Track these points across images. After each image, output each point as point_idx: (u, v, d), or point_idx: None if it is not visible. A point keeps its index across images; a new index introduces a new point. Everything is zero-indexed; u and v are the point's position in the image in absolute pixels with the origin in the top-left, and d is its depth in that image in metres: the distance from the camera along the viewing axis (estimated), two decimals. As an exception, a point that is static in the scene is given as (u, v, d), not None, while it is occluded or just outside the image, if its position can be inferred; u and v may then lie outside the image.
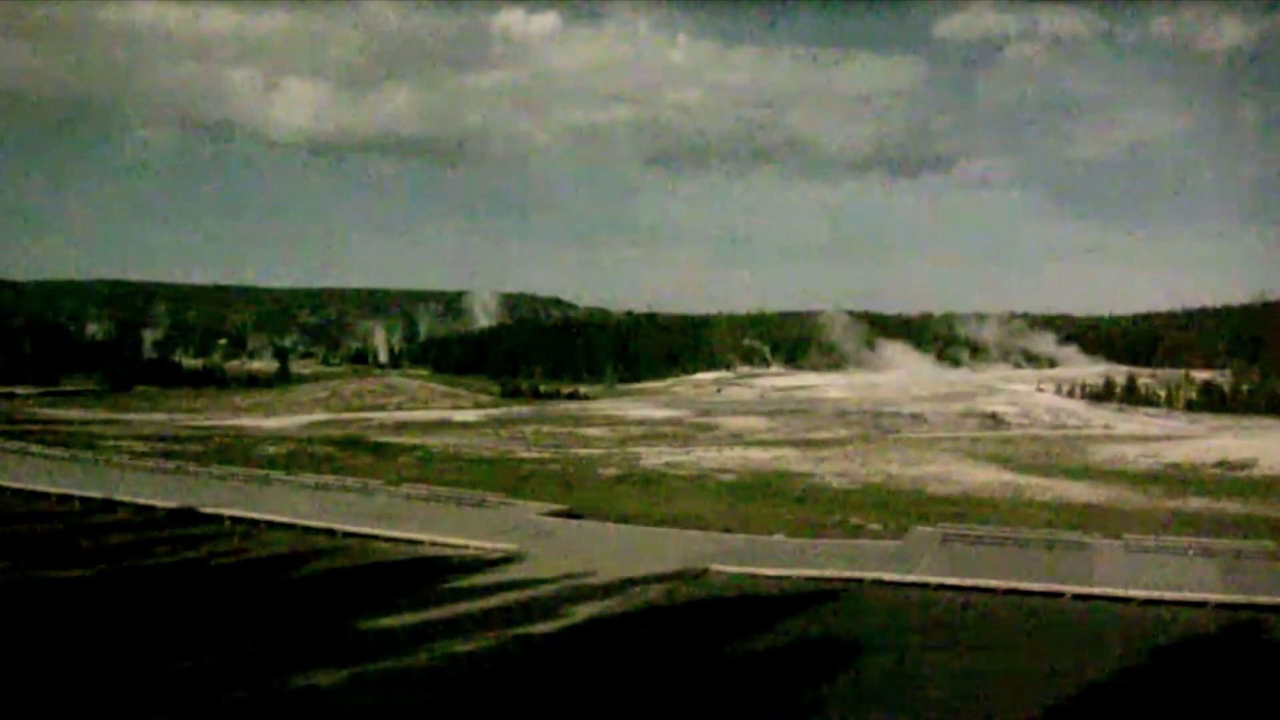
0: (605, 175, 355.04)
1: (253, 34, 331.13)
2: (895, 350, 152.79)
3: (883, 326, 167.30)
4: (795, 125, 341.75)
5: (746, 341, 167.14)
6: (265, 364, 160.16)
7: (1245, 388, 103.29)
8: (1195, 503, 39.57)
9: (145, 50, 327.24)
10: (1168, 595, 22.53)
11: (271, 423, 75.44)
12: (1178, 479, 46.96)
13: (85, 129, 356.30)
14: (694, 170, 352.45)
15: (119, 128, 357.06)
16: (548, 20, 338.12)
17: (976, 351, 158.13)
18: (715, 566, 25.10)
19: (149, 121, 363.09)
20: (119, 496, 32.36)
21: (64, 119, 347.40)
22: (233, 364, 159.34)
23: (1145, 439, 64.72)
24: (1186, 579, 23.79)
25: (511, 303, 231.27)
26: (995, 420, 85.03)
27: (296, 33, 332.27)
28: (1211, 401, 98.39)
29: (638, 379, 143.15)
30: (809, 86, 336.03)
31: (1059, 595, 22.89)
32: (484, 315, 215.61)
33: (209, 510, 30.66)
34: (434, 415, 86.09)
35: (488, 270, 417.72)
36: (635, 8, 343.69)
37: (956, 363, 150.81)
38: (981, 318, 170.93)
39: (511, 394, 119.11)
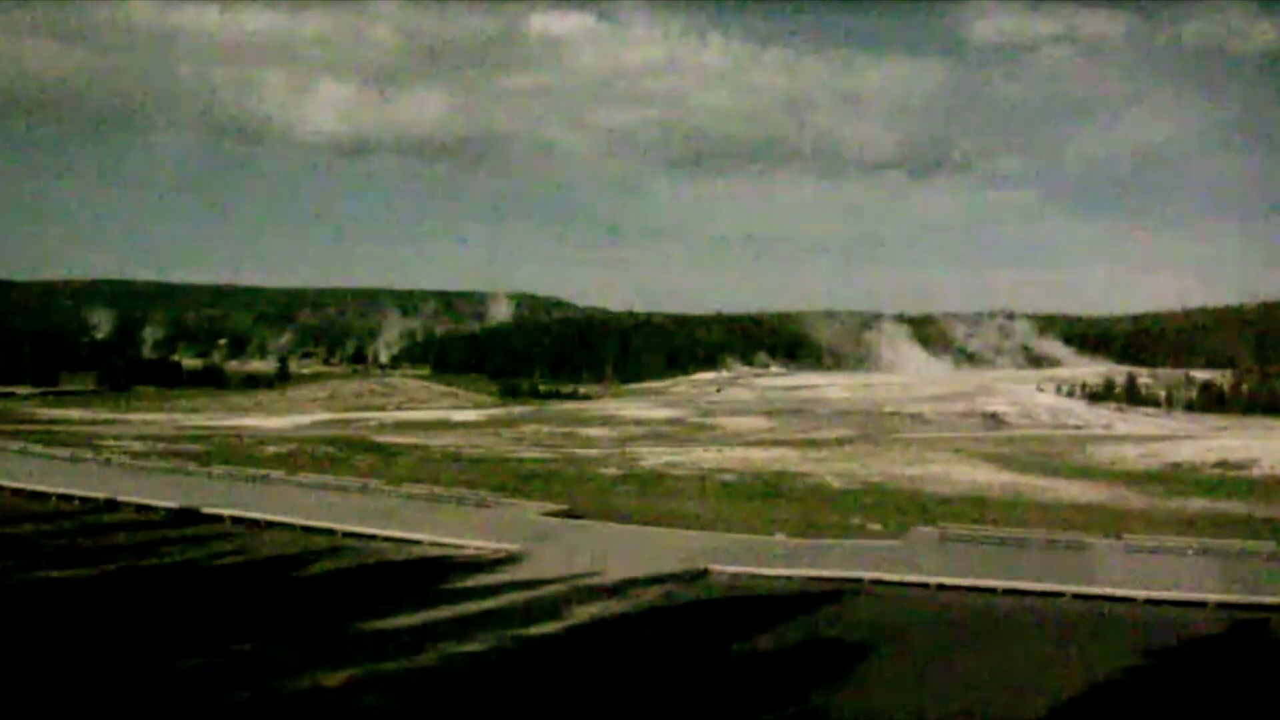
0: (628, 177, 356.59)
1: (287, 36, 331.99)
2: (903, 350, 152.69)
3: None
4: (822, 127, 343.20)
5: (748, 344, 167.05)
6: (265, 364, 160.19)
7: (1245, 388, 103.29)
8: (1195, 503, 39.56)
9: (177, 53, 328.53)
10: (1168, 595, 22.54)
11: (272, 423, 75.46)
12: (1178, 479, 46.97)
13: (109, 131, 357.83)
14: (718, 172, 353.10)
15: (142, 130, 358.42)
16: (580, 21, 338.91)
17: (977, 351, 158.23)
18: (715, 566, 25.10)
19: (173, 124, 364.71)
20: (120, 496, 32.36)
21: (89, 121, 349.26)
22: (233, 364, 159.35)
23: (1145, 439, 64.72)
24: (1186, 579, 23.79)
25: (512, 303, 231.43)
26: (995, 420, 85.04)
27: (331, 35, 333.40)
28: (1211, 401, 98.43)
29: (638, 379, 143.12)
30: (838, 89, 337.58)
31: (1059, 595, 22.90)
32: (502, 312, 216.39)
33: (210, 510, 30.66)
34: (434, 415, 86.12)
35: (496, 271, 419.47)
36: (668, 9, 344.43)
37: (957, 362, 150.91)
38: (981, 317, 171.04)
39: (511, 394, 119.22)
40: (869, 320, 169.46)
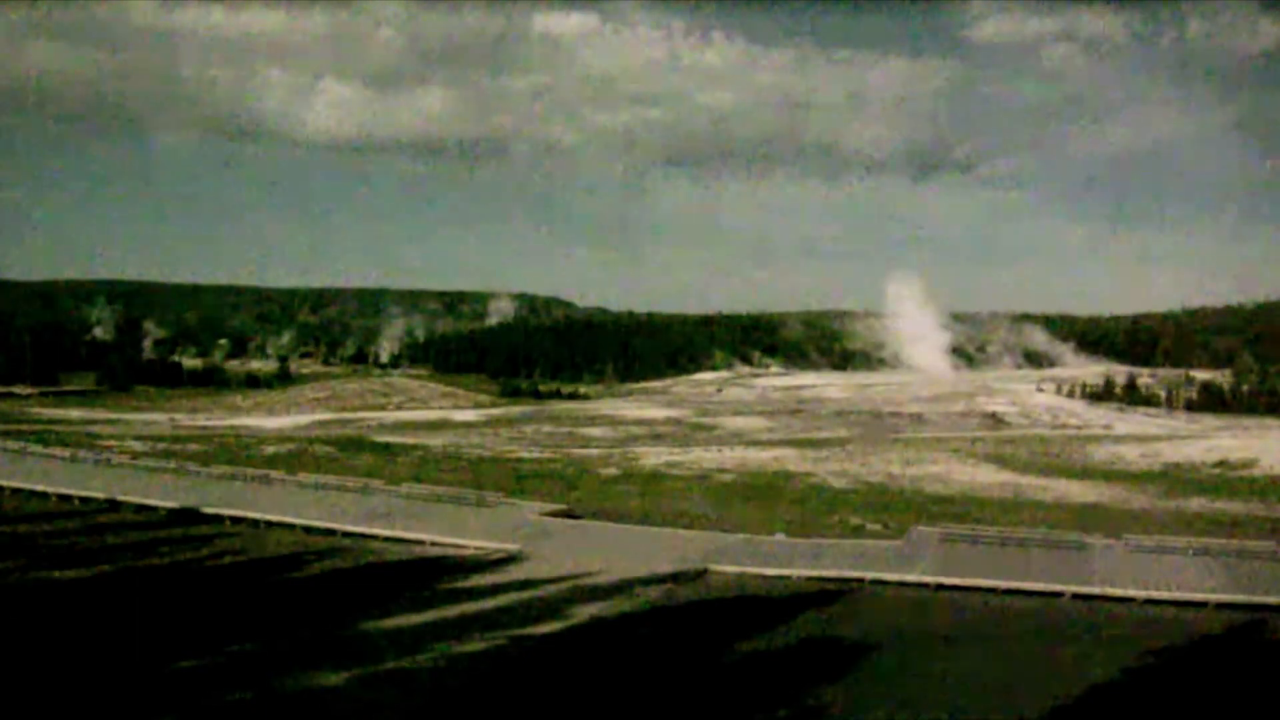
0: (629, 177, 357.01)
1: (288, 36, 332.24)
2: (911, 349, 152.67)
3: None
4: (823, 127, 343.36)
5: (747, 344, 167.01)
6: (265, 364, 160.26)
7: (1245, 388, 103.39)
8: (1195, 503, 39.55)
9: (177, 53, 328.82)
10: (1168, 595, 22.54)
11: (271, 423, 75.48)
12: (1178, 479, 46.95)
13: (109, 132, 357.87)
14: (718, 172, 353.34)
15: (142, 130, 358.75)
16: (581, 21, 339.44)
17: (975, 351, 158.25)
18: (715, 566, 25.10)
19: (174, 124, 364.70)
20: (119, 496, 32.36)
21: (89, 121, 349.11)
22: (233, 364, 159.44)
23: (1145, 439, 64.70)
24: (1186, 579, 23.79)
25: (512, 303, 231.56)
26: (995, 420, 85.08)
27: (333, 34, 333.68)
28: (1211, 401, 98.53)
29: (638, 379, 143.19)
30: (839, 89, 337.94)
31: (1059, 595, 22.91)
32: (502, 312, 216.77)
33: (210, 510, 30.67)
34: (434, 415, 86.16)
35: (496, 271, 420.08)
36: (669, 9, 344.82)
37: (958, 363, 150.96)
38: (981, 316, 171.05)
39: (512, 394, 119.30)
40: (868, 318, 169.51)
